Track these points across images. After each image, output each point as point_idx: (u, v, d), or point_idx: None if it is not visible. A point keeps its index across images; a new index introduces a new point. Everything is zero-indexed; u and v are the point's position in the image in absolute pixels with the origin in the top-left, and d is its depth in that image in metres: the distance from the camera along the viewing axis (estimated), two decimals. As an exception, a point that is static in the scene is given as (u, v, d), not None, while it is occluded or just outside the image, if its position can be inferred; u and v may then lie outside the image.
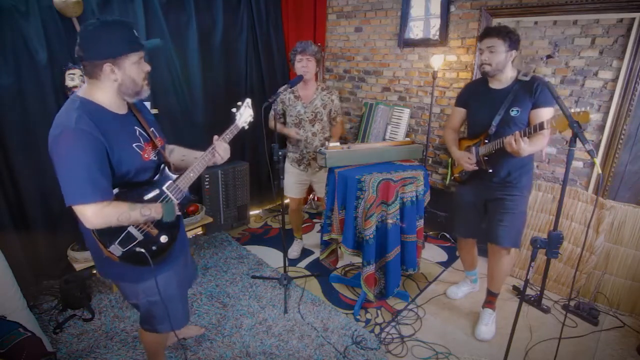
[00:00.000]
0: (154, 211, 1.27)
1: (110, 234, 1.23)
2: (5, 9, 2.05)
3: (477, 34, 2.79)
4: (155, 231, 1.33)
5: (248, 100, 1.63)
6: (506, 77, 1.95)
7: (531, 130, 1.74)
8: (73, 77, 2.23)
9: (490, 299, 2.22)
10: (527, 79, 1.89)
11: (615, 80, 2.32)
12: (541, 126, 1.69)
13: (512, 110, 1.92)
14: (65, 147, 1.12)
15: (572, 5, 2.34)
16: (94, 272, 2.64)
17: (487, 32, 1.91)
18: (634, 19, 2.19)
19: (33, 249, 2.38)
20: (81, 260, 2.36)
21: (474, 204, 2.19)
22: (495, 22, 2.71)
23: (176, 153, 1.58)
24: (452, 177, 2.30)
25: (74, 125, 1.12)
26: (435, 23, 3.03)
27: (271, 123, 2.29)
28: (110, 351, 2.01)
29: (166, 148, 1.57)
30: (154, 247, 1.33)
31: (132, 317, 2.28)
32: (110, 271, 1.42)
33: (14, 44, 2.11)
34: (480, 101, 2.06)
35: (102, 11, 2.39)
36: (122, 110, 1.29)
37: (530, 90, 1.87)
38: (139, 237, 1.29)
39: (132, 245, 1.27)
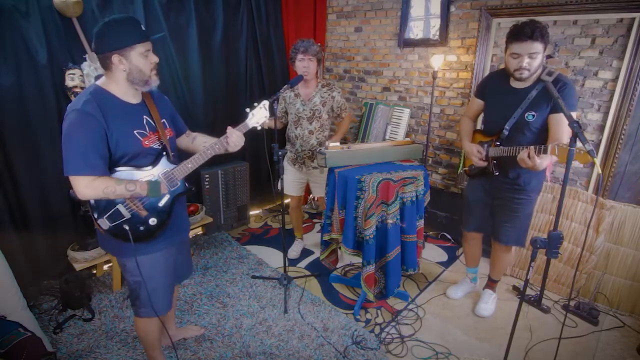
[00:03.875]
0: (139, 187, 1.36)
1: (100, 208, 1.36)
2: (5, 9, 2.05)
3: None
4: (144, 212, 1.42)
5: (265, 102, 1.64)
6: (532, 77, 1.81)
7: (535, 151, 1.64)
8: (73, 77, 2.22)
9: (491, 283, 2.41)
10: (551, 79, 1.67)
11: (615, 80, 2.32)
12: (544, 150, 1.60)
13: (527, 115, 1.83)
14: (69, 125, 1.27)
15: (572, 5, 2.34)
16: (94, 272, 2.65)
17: (531, 35, 1.66)
18: (634, 19, 2.19)
19: (33, 249, 2.37)
20: (81, 260, 2.36)
21: (483, 200, 2.18)
22: (495, 22, 2.71)
23: (199, 140, 1.69)
24: (463, 169, 2.28)
25: (79, 107, 1.26)
26: (435, 23, 3.03)
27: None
28: (110, 351, 2.01)
29: (189, 135, 1.72)
30: (141, 227, 1.42)
31: (132, 317, 2.26)
32: (103, 242, 1.55)
33: (14, 44, 2.11)
34: (498, 99, 1.97)
35: (102, 11, 2.39)
36: (134, 99, 1.41)
37: (549, 94, 1.70)
38: (127, 215, 1.39)
39: (119, 221, 1.38)
